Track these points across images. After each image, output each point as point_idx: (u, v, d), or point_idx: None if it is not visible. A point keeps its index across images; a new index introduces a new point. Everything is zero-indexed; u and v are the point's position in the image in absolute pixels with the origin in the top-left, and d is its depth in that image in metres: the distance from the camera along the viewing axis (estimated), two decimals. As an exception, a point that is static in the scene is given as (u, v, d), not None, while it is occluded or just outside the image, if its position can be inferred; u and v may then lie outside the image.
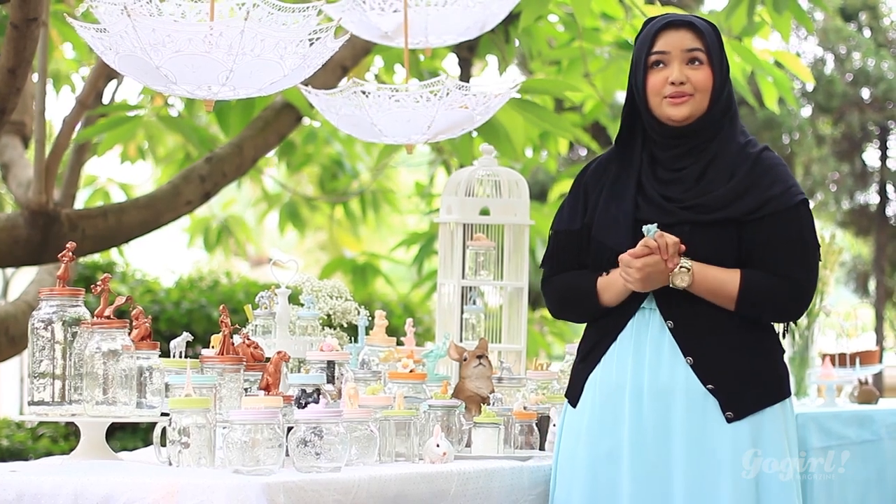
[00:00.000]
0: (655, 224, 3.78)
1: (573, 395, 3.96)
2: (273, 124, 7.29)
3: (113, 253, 11.36)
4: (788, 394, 3.88)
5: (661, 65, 3.88)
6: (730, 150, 3.88)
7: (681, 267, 3.78)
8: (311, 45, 3.96)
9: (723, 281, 3.80)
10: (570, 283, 3.98)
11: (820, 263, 3.93)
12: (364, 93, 4.50)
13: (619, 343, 3.87)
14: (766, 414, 3.81)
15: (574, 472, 3.88)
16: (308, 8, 3.90)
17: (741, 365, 3.81)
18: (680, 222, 3.82)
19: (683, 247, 3.79)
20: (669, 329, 3.82)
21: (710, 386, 3.78)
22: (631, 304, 3.86)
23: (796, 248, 3.83)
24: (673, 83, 3.84)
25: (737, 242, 3.81)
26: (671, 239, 3.77)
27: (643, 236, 3.79)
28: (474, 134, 7.12)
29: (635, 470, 3.79)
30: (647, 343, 3.83)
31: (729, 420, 3.77)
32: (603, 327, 3.92)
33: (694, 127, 3.88)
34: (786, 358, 6.45)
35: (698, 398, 3.78)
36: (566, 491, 3.89)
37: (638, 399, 3.81)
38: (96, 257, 11.46)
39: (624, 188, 3.91)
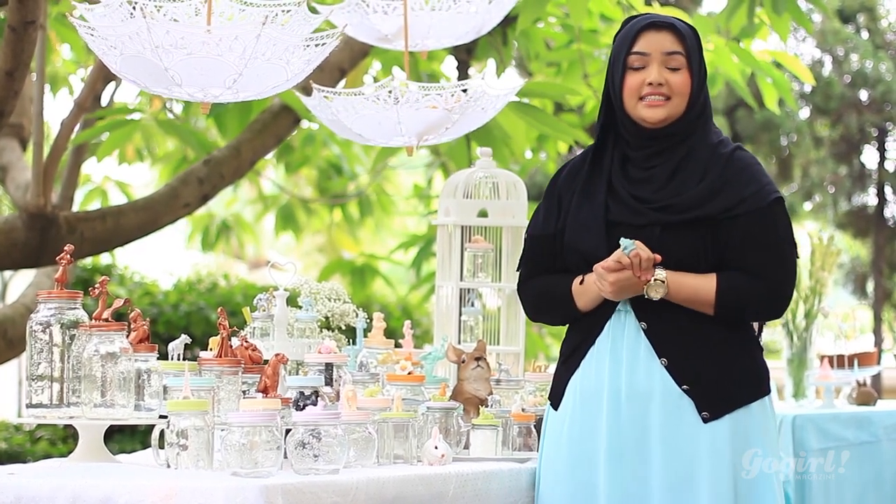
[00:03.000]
0: (632, 240, 3.77)
1: (555, 398, 3.96)
2: (271, 127, 7.29)
3: (108, 255, 11.37)
4: (767, 392, 3.87)
5: (639, 66, 3.87)
6: (702, 150, 3.87)
7: (655, 279, 3.78)
8: (316, 47, 3.96)
9: (698, 288, 3.80)
10: (546, 287, 3.98)
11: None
12: (326, 96, 4.54)
13: (596, 346, 3.87)
14: (745, 413, 3.80)
15: (556, 475, 3.88)
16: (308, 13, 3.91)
17: (716, 364, 3.80)
18: (651, 223, 3.82)
19: (659, 258, 3.78)
20: (644, 331, 3.82)
21: (685, 386, 3.78)
22: (607, 306, 3.86)
23: (772, 247, 3.82)
24: (651, 84, 3.84)
25: (709, 243, 3.81)
26: (645, 254, 3.76)
27: (616, 238, 3.79)
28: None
29: (612, 472, 3.79)
30: (624, 345, 3.84)
31: (705, 420, 3.77)
32: (582, 330, 3.92)
33: (668, 129, 3.87)
34: (784, 359, 6.50)
35: (674, 399, 3.78)
36: (549, 493, 3.90)
37: (616, 402, 3.81)
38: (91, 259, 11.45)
39: (595, 190, 3.90)
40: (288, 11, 3.86)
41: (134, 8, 3.78)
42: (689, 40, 3.88)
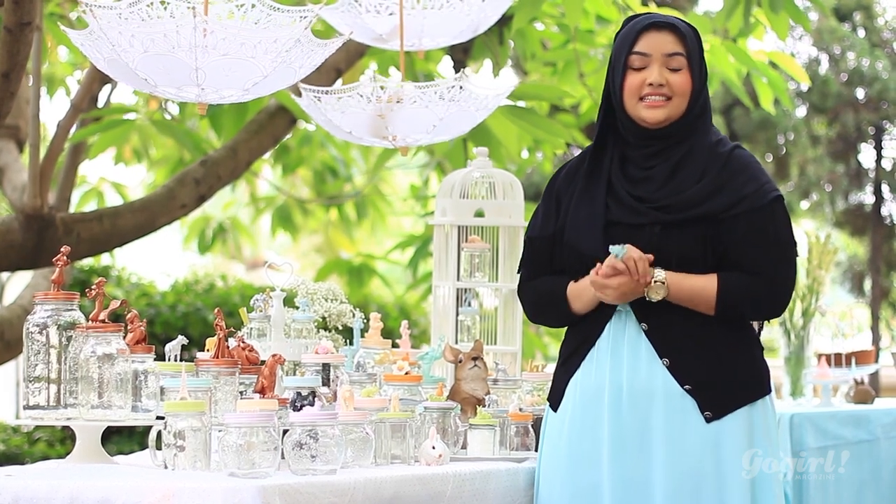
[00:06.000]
0: (622, 245, 3.77)
1: (554, 399, 3.96)
2: (267, 127, 7.29)
3: (105, 256, 11.37)
4: (769, 391, 3.87)
5: (640, 66, 3.87)
6: (701, 150, 3.87)
7: (655, 281, 3.78)
8: (322, 49, 3.98)
9: (700, 288, 3.80)
10: (543, 289, 3.98)
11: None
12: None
13: (597, 347, 3.87)
14: (747, 412, 3.80)
15: (555, 476, 3.88)
16: (303, 11, 3.91)
17: (718, 364, 3.81)
18: (651, 223, 3.82)
19: (651, 257, 3.78)
20: (644, 331, 3.82)
21: (687, 386, 3.79)
22: (607, 308, 3.85)
23: (772, 246, 3.83)
24: (651, 84, 3.84)
25: (709, 242, 3.81)
26: (637, 254, 3.75)
27: (614, 238, 3.79)
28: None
29: (615, 473, 3.79)
30: (625, 346, 3.84)
31: (708, 420, 3.77)
32: (582, 331, 3.92)
33: (668, 130, 3.88)
34: (781, 358, 6.50)
35: (676, 399, 3.78)
36: (548, 494, 3.90)
37: (617, 402, 3.81)
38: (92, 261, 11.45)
39: (594, 190, 3.90)
40: (305, 17, 3.86)
41: (165, 7, 3.79)
42: (690, 41, 3.88)
